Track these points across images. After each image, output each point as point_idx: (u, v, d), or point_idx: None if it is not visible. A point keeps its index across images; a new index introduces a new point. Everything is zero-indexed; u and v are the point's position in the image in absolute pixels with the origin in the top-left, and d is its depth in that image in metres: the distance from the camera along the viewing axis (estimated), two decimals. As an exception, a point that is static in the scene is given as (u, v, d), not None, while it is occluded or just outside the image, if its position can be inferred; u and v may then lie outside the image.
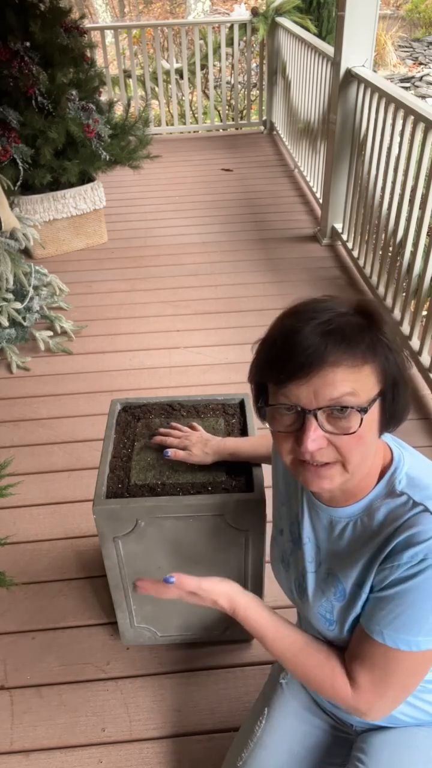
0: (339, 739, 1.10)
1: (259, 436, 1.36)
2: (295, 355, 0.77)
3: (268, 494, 1.27)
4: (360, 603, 0.89)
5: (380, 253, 2.91)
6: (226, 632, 1.53)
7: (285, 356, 0.79)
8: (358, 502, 0.90)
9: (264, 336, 0.85)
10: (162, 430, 1.41)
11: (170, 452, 1.33)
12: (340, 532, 0.93)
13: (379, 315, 0.81)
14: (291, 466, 0.86)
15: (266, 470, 1.32)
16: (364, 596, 0.89)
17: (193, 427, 1.41)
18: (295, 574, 1.03)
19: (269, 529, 1.32)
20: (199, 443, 1.33)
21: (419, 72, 10.25)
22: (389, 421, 0.85)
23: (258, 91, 5.67)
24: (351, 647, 0.91)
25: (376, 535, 0.87)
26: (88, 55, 3.54)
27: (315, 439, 0.79)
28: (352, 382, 0.78)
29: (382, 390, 0.81)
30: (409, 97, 2.53)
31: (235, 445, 1.33)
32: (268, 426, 0.87)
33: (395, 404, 0.83)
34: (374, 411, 0.81)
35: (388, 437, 0.92)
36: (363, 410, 0.78)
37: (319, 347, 0.76)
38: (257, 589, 1.42)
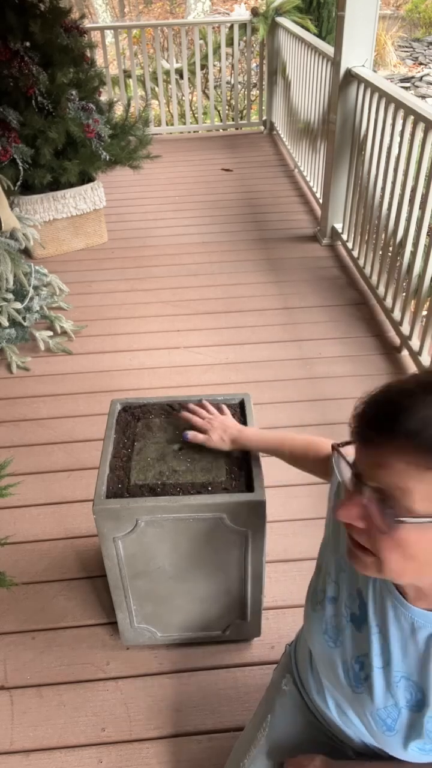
0: (337, 752, 1.08)
1: (273, 438, 1.31)
2: (375, 415, 0.66)
3: (269, 494, 1.27)
4: None
5: (380, 253, 2.91)
6: (226, 632, 1.53)
7: (368, 409, 0.68)
8: None
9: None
10: (191, 406, 1.42)
11: (189, 435, 1.35)
12: (425, 641, 0.77)
13: None
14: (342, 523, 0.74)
15: (267, 471, 1.32)
16: None
17: (220, 409, 1.42)
18: (346, 657, 0.88)
19: (269, 529, 1.33)
20: (219, 429, 1.34)
21: (419, 72, 10.26)
22: None
23: (258, 91, 5.67)
24: None
25: None
26: (88, 55, 3.53)
27: (349, 510, 0.68)
28: (416, 480, 0.62)
29: None
30: (409, 97, 2.53)
31: (248, 439, 1.33)
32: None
33: None
34: None
35: None
36: (398, 518, 0.63)
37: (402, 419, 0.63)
38: (257, 589, 1.43)
